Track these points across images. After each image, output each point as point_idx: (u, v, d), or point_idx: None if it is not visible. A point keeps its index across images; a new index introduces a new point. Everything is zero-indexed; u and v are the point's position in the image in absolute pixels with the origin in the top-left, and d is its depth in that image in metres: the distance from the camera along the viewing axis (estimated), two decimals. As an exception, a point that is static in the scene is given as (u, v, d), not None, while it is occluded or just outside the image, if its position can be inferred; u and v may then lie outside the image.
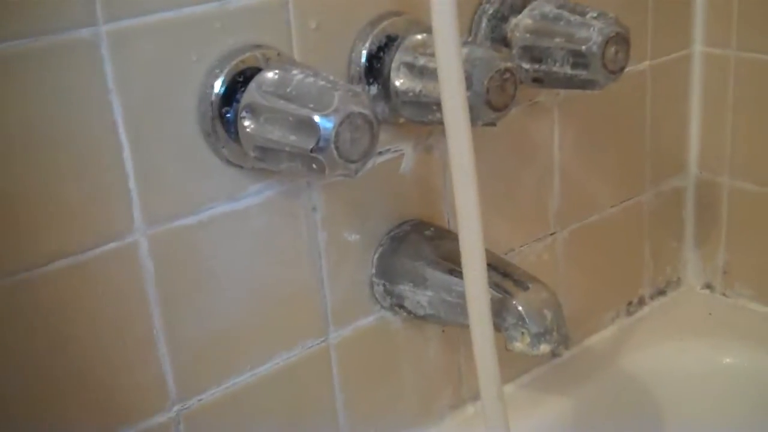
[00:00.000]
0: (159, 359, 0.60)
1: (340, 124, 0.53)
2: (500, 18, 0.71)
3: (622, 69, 0.68)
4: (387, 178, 0.71)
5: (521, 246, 0.84)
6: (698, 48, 0.93)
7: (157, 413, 0.61)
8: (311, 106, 0.54)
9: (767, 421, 0.92)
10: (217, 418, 0.64)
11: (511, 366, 0.85)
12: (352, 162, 0.55)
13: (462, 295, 0.63)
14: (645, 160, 0.94)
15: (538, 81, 0.70)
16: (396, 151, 0.71)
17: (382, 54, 0.65)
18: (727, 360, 0.95)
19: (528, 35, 0.69)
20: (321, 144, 0.53)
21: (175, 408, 0.62)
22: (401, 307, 0.72)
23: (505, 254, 0.81)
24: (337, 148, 0.54)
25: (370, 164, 0.60)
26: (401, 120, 0.67)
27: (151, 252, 0.58)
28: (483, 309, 0.63)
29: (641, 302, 1.00)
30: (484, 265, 0.62)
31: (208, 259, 0.61)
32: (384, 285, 0.72)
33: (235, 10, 0.59)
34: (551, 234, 0.86)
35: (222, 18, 0.58)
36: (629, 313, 0.99)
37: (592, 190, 0.89)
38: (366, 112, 0.54)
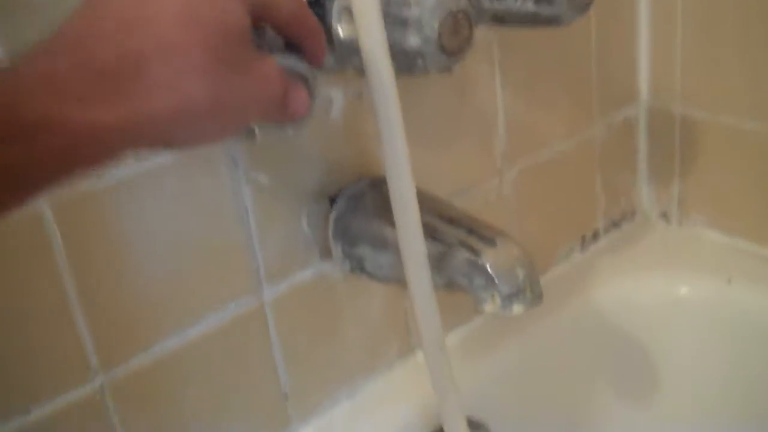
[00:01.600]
0: (76, 327, 0.58)
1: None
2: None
3: (588, 4, 0.64)
4: (315, 127, 0.68)
5: (469, 187, 0.82)
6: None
7: (79, 385, 0.59)
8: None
9: (723, 349, 0.91)
10: (147, 387, 0.62)
11: (461, 310, 0.83)
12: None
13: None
14: (593, 92, 0.91)
15: (498, 20, 0.66)
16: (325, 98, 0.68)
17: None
18: (684, 290, 0.94)
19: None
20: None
21: (99, 378, 0.60)
22: (362, 270, 0.69)
23: (452, 196, 0.79)
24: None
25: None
26: (350, 69, 0.63)
27: (56, 220, 0.55)
28: (418, 258, 0.60)
29: (596, 236, 0.98)
30: (416, 211, 0.59)
31: (122, 222, 0.59)
32: (342, 247, 0.69)
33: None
34: (499, 174, 0.84)
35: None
36: (584, 248, 0.97)
37: (539, 126, 0.86)
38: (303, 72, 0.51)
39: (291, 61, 0.50)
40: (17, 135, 0.36)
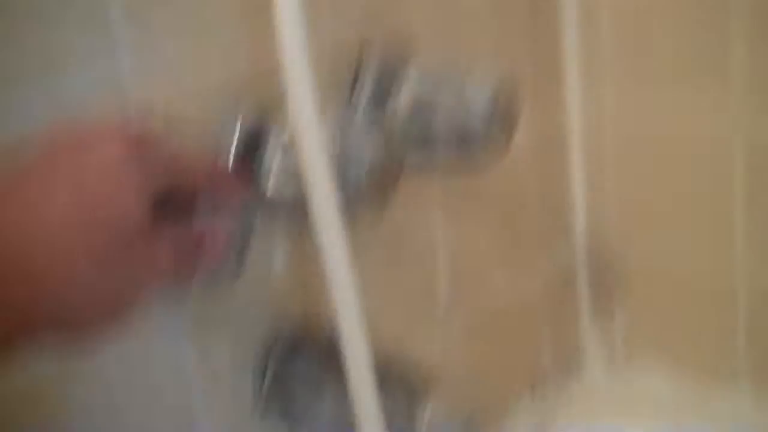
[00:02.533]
0: None
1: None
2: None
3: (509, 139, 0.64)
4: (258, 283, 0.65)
5: (412, 335, 0.78)
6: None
7: None
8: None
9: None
10: None
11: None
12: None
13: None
14: (534, 237, 0.91)
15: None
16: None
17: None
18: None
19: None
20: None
21: None
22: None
23: (396, 343, 0.75)
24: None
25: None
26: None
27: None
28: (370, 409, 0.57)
29: (544, 384, 0.95)
30: (370, 378, 0.57)
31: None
32: (279, 406, 0.66)
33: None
34: (442, 323, 0.81)
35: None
36: (533, 397, 0.94)
37: (482, 274, 0.85)
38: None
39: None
40: None
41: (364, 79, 0.66)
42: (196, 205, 0.50)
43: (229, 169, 0.58)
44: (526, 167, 0.88)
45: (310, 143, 0.53)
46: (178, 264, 0.46)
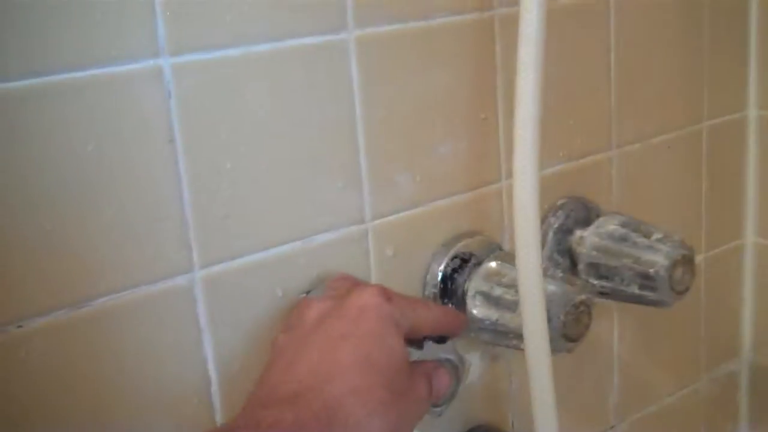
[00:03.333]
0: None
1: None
2: (565, 231, 0.73)
3: (687, 288, 0.69)
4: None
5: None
6: (750, 239, 0.95)
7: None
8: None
9: None
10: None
11: None
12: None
13: None
14: (700, 347, 0.95)
15: (605, 295, 0.72)
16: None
17: (456, 275, 0.67)
18: None
19: (595, 252, 0.71)
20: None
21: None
22: None
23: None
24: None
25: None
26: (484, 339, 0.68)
27: None
28: None
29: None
30: None
31: None
32: None
33: (318, 246, 0.61)
34: (611, 428, 0.87)
35: (306, 254, 0.61)
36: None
37: (650, 380, 0.90)
38: (452, 357, 0.56)
39: (442, 355, 0.58)
40: None
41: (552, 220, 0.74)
42: (426, 339, 0.58)
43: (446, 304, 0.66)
44: (700, 281, 0.92)
45: (530, 271, 0.57)
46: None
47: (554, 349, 0.61)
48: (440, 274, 0.67)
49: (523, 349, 0.60)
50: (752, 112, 0.92)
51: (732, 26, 0.89)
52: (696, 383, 0.95)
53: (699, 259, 0.91)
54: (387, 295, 0.54)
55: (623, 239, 0.70)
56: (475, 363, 0.73)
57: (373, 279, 0.65)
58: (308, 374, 0.49)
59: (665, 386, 0.92)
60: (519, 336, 0.60)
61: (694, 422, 0.96)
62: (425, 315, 0.56)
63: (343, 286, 0.57)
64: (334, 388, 0.48)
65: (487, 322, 0.64)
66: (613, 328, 0.84)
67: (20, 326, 0.50)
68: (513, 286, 0.63)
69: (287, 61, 0.58)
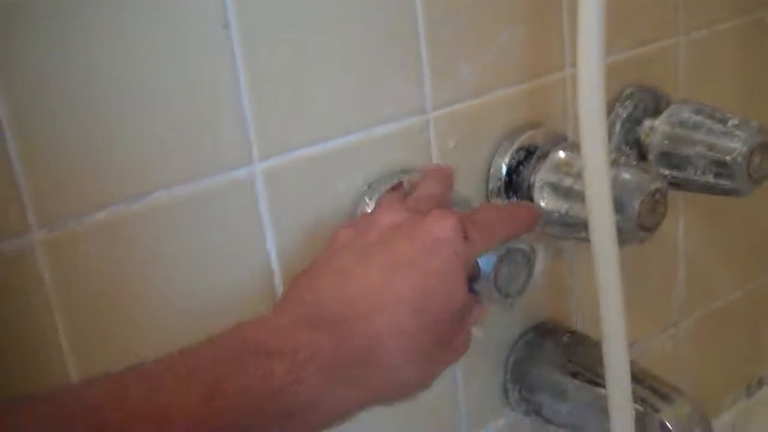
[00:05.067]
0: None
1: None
2: (634, 121, 0.70)
3: (766, 176, 0.66)
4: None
5: (646, 337, 0.83)
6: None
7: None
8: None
9: None
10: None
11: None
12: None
13: (604, 408, 0.62)
14: (766, 242, 0.92)
15: (676, 186, 0.68)
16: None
17: (521, 168, 0.64)
18: None
19: (666, 142, 0.68)
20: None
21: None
22: (537, 413, 0.71)
23: (630, 346, 0.80)
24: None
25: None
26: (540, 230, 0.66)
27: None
28: (627, 422, 0.62)
29: (761, 383, 0.97)
30: (629, 384, 0.61)
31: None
32: (520, 391, 0.71)
33: (379, 137, 0.59)
34: (674, 324, 0.85)
35: (367, 145, 0.58)
36: (749, 395, 0.96)
37: (715, 276, 0.88)
38: (524, 247, 0.54)
39: (514, 245, 0.55)
40: (296, 413, 0.42)
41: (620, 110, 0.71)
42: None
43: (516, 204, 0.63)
44: None
45: (597, 164, 0.55)
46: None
47: (628, 240, 0.59)
48: (505, 167, 0.64)
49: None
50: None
51: None
52: (761, 278, 0.92)
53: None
54: (466, 230, 0.49)
55: (697, 126, 0.67)
56: (540, 257, 0.71)
57: (436, 172, 0.62)
58: (361, 297, 0.46)
59: (730, 282, 0.89)
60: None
61: (756, 318, 0.94)
62: (502, 233, 0.53)
63: (424, 200, 0.53)
64: (382, 322, 0.45)
65: (557, 214, 0.61)
66: (678, 221, 0.82)
67: (79, 221, 0.49)
68: (580, 175, 0.59)
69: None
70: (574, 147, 0.63)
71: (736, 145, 0.64)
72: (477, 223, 0.51)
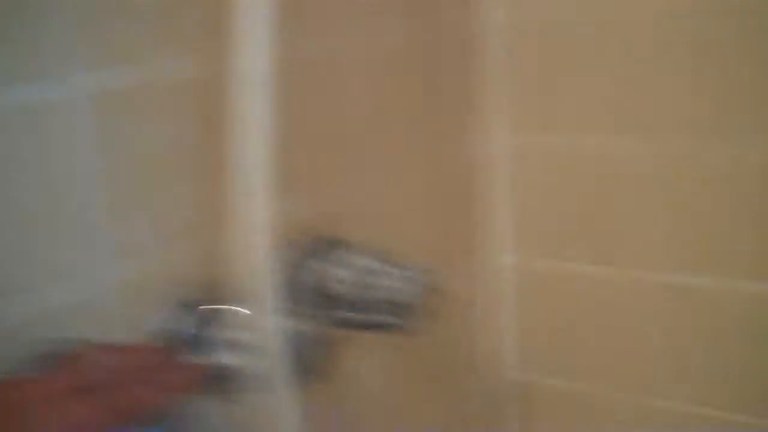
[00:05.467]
0: None
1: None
2: (300, 265, 0.70)
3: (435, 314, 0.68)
4: None
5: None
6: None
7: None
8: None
9: None
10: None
11: None
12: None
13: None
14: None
15: (348, 326, 0.69)
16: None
17: (187, 326, 0.60)
18: None
19: (337, 285, 0.68)
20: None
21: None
22: None
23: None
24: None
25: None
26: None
27: None
28: None
29: None
30: None
31: None
32: None
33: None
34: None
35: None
36: None
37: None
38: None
39: None
40: None
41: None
42: None
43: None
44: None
45: (262, 312, 0.56)
46: None
47: (301, 385, 0.58)
48: (167, 328, 0.60)
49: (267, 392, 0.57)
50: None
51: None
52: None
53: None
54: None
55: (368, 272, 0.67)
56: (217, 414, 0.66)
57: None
58: None
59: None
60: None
61: None
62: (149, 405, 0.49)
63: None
64: None
65: (228, 369, 0.58)
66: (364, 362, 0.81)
67: None
68: (249, 328, 0.58)
69: None
70: (237, 300, 0.60)
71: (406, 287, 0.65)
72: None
